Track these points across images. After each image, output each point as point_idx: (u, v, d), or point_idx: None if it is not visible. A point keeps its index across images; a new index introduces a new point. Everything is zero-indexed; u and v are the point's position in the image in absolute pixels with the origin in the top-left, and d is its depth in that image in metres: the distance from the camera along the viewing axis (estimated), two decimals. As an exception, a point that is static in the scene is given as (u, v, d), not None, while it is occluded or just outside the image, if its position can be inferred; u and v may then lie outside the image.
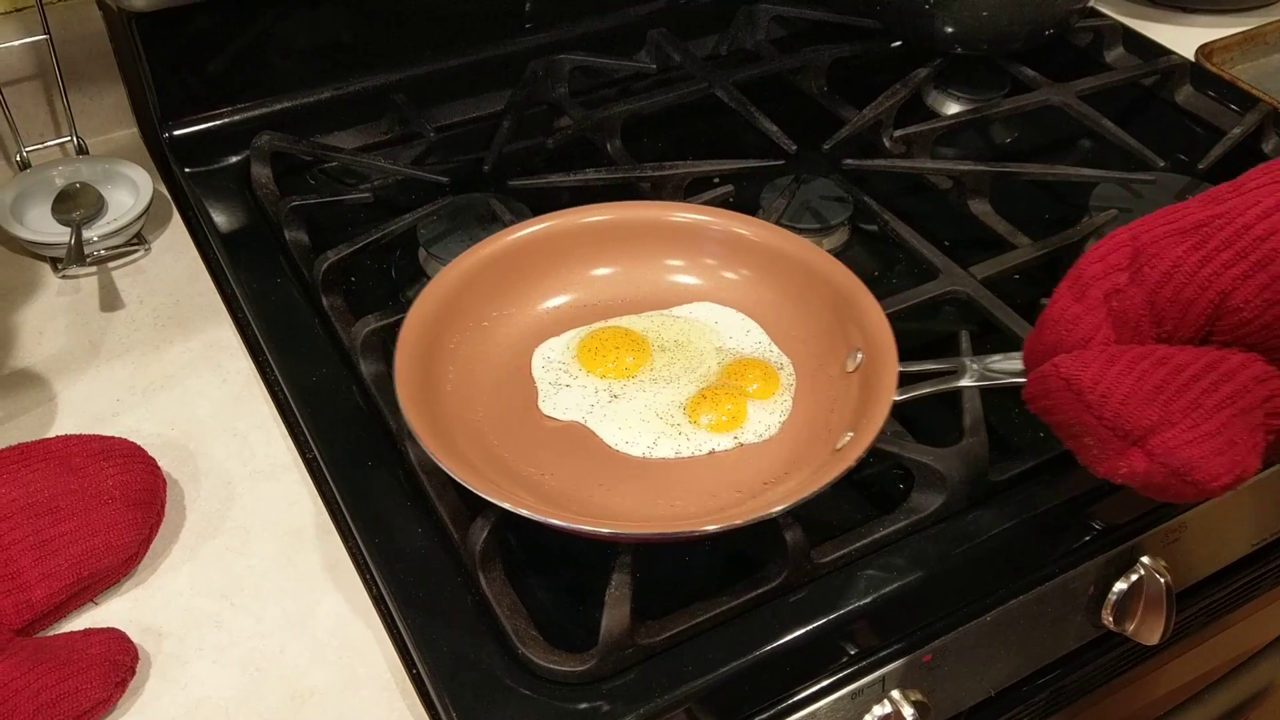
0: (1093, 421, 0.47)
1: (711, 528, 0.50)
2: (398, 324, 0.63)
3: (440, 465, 0.51)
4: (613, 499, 0.56)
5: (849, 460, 0.51)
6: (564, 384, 0.61)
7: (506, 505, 0.50)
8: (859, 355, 0.59)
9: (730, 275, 0.66)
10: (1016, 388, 0.53)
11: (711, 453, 0.58)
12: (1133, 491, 0.59)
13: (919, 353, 0.58)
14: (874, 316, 0.58)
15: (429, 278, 0.72)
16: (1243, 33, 0.94)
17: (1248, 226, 0.46)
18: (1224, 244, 0.46)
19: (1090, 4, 0.88)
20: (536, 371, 0.62)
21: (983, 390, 0.58)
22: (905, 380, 0.56)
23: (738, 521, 0.49)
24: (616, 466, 0.57)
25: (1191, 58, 0.91)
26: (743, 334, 0.64)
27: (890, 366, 0.56)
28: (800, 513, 0.53)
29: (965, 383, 0.56)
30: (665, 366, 0.62)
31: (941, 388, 0.56)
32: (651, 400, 0.60)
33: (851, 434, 0.54)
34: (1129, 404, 0.46)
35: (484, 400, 0.60)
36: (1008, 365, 0.56)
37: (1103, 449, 0.47)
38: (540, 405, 0.60)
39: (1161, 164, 0.80)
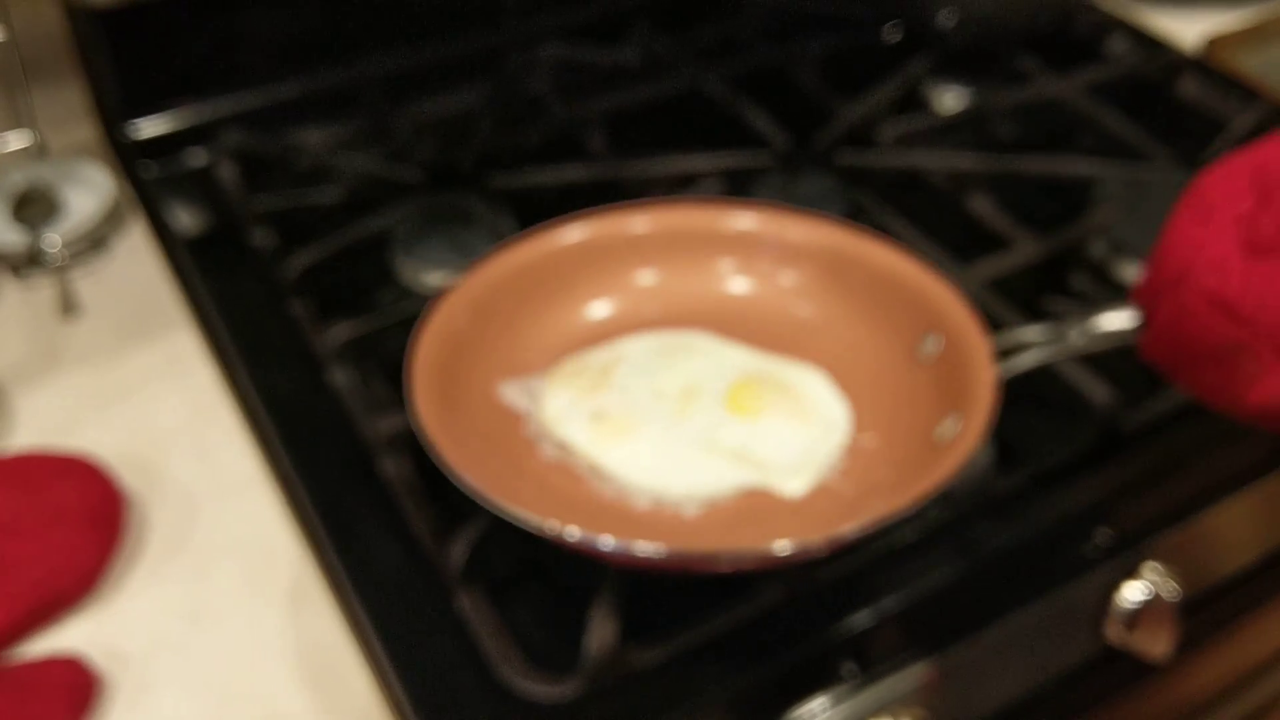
0: (1247, 336, 0.45)
1: (849, 529, 0.45)
2: (372, 330, 0.63)
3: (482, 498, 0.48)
4: (685, 527, 0.52)
5: (970, 441, 0.48)
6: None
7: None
8: (931, 339, 0.56)
9: (792, 282, 0.62)
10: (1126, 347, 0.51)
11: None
12: (1140, 499, 0.59)
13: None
14: (945, 298, 0.56)
15: (405, 281, 0.72)
16: (1247, 24, 0.94)
17: None
18: None
19: (1089, -7, 0.88)
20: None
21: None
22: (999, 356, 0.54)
23: (866, 528, 0.46)
24: None
25: (1194, 49, 0.91)
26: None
27: (978, 341, 0.53)
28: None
29: (1075, 346, 0.55)
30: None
31: (1048, 358, 0.55)
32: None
33: (954, 420, 0.51)
34: None
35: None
36: (1111, 323, 0.54)
37: (1261, 365, 0.45)
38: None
39: (1164, 157, 0.79)
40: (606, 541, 0.46)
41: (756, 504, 0.53)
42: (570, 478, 0.54)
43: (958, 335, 0.54)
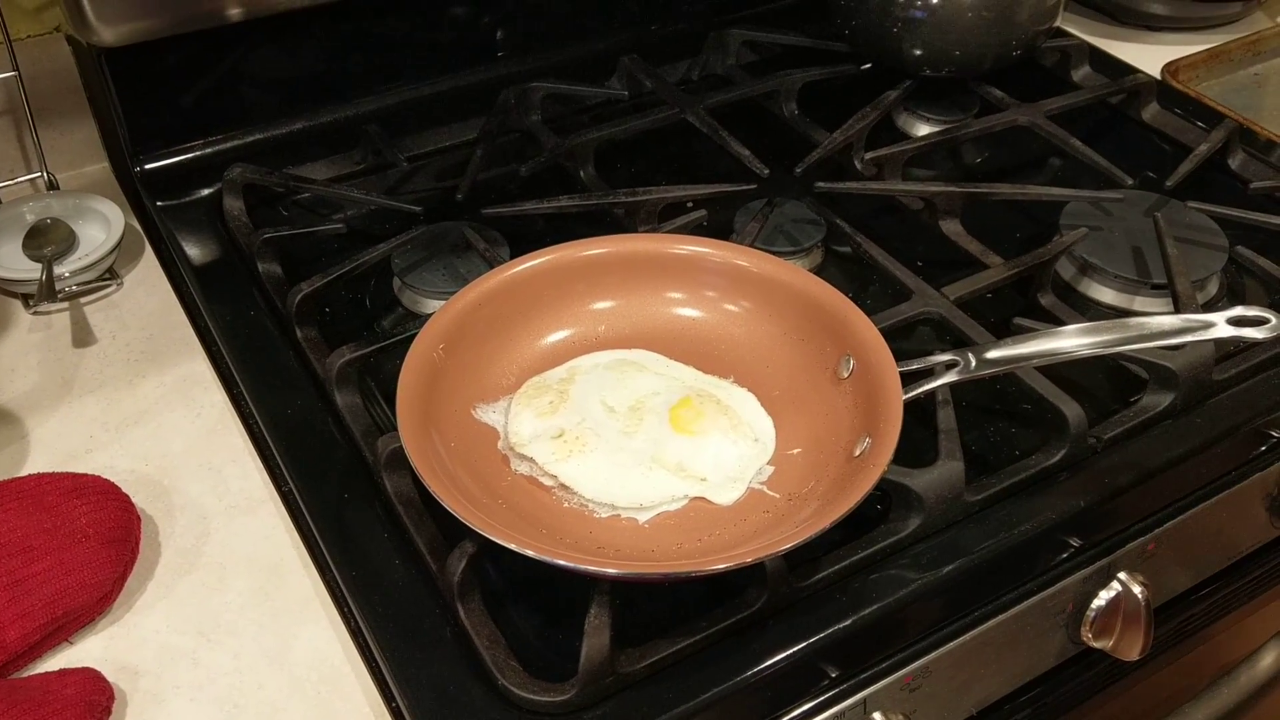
0: None
1: (750, 560, 0.49)
2: (372, 354, 0.64)
3: (446, 504, 0.51)
4: (642, 533, 0.55)
5: (882, 464, 0.51)
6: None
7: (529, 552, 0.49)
8: (850, 361, 0.59)
9: (731, 307, 0.65)
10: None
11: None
12: (1111, 509, 0.60)
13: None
14: (862, 326, 0.59)
15: (404, 307, 0.73)
16: (1207, 50, 0.96)
17: None
18: None
19: (1057, 25, 0.89)
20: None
21: (955, 395, 0.59)
22: (906, 380, 0.56)
23: (784, 547, 0.49)
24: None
25: (1158, 76, 0.92)
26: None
27: (889, 366, 0.56)
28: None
29: (973, 374, 0.57)
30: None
31: (948, 380, 0.57)
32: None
33: (869, 439, 0.54)
34: None
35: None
36: (1007, 352, 0.57)
37: None
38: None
39: (1130, 181, 0.81)
40: (561, 561, 0.49)
41: (700, 511, 0.56)
42: (539, 490, 0.57)
43: (870, 359, 0.57)
